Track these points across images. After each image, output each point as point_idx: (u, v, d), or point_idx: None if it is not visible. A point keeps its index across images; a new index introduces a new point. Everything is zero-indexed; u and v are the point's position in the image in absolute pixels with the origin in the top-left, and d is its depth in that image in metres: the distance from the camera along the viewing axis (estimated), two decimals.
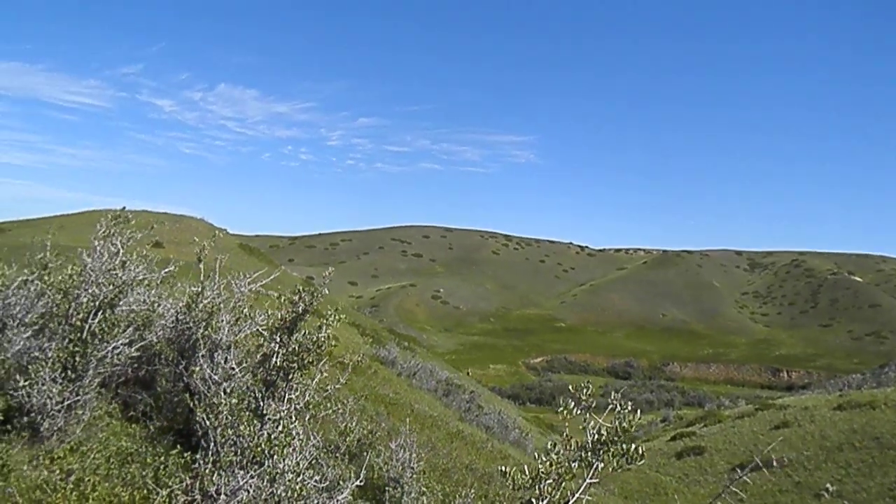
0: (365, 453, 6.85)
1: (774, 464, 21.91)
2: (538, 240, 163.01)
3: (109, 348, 5.13)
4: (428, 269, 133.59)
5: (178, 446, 4.95)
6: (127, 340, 5.38)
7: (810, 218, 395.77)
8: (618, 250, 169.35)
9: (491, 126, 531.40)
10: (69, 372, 4.86)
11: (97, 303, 5.11)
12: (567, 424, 3.58)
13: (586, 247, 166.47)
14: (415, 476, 6.57)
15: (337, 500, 4.64)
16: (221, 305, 6.16)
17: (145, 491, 4.19)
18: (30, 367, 4.76)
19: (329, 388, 5.37)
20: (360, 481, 4.98)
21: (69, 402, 4.77)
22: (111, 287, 5.22)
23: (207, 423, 4.67)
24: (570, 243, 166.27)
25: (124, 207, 5.83)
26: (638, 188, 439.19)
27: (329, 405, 5.21)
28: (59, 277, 5.25)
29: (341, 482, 4.93)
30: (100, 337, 5.04)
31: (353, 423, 7.25)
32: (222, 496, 4.05)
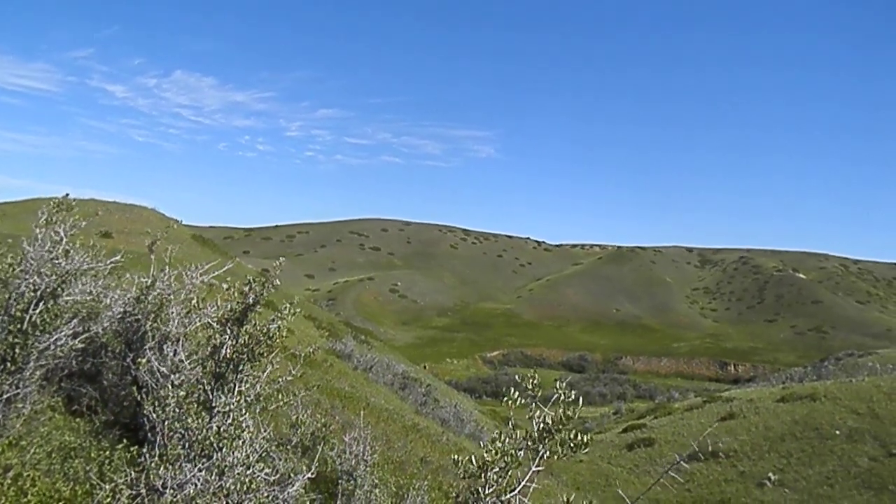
0: (318, 446, 6.80)
1: (721, 454, 22.64)
2: (496, 234, 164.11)
3: (52, 340, 4.98)
4: (386, 262, 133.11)
5: (125, 440, 4.83)
6: (71, 332, 5.22)
7: (757, 215, 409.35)
8: (574, 246, 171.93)
9: (453, 120, 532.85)
10: (8, 364, 4.69)
11: (38, 293, 4.94)
12: (513, 414, 3.65)
13: (543, 242, 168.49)
14: (368, 469, 6.57)
15: (288, 493, 4.61)
16: (172, 297, 6.03)
17: (88, 486, 4.09)
18: None
19: (281, 380, 5.32)
20: (312, 474, 4.95)
21: (8, 395, 4.61)
22: (54, 277, 5.05)
23: (155, 416, 4.58)
24: (528, 238, 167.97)
25: (68, 194, 5.65)
26: (595, 185, 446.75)
27: (280, 397, 5.17)
28: None
29: (293, 475, 4.90)
30: (41, 328, 4.87)
31: (307, 416, 7.20)
32: (168, 490, 3.98)
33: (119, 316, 5.98)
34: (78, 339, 5.34)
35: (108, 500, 3.90)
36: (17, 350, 4.73)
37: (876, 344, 76.90)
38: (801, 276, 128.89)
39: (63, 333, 5.09)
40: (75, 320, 5.34)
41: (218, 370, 4.91)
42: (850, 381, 27.74)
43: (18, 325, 4.80)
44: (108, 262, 6.16)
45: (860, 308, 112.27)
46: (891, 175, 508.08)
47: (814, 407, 24.76)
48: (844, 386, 26.60)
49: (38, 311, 4.89)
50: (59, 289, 5.14)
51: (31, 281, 4.99)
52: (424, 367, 52.68)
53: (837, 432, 22.29)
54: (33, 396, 4.88)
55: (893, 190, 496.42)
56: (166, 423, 4.50)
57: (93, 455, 4.58)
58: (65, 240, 5.35)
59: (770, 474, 20.89)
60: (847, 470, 20.10)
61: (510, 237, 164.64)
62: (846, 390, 25.67)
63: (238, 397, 4.76)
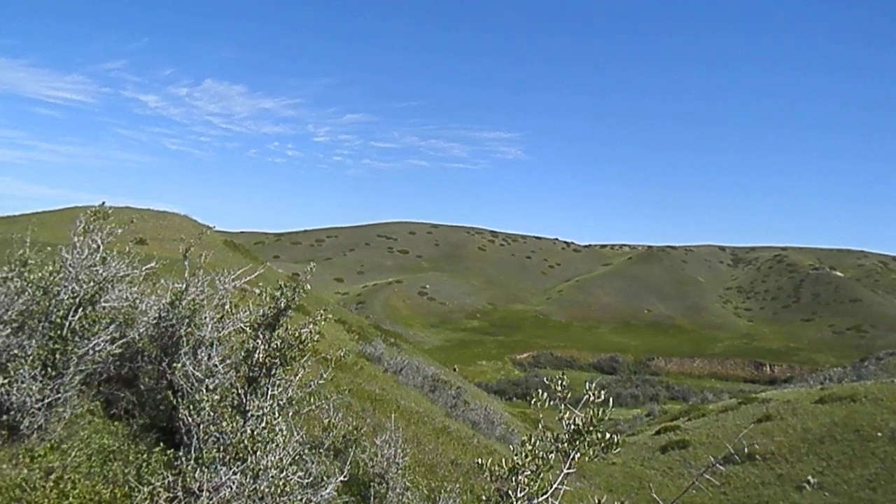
0: (350, 449, 6.85)
1: (758, 457, 22.18)
2: (524, 236, 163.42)
3: (90, 345, 5.10)
4: (414, 265, 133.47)
5: (161, 443, 4.93)
6: (108, 337, 5.34)
7: (792, 213, 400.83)
8: (603, 246, 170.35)
9: (479, 122, 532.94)
10: (49, 369, 4.82)
11: (77, 299, 5.07)
12: (543, 416, 3.63)
13: (572, 242, 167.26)
14: (400, 471, 6.59)
15: (321, 496, 4.65)
16: (205, 302, 6.14)
17: (127, 488, 4.18)
18: (9, 364, 4.71)
19: (313, 383, 5.38)
20: (345, 477, 4.99)
21: (49, 399, 4.74)
22: (92, 284, 5.18)
23: (190, 419, 4.66)
24: (556, 239, 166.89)
25: (104, 203, 5.78)
26: (624, 184, 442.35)
27: (312, 401, 5.22)
28: (39, 274, 5.20)
29: (325, 478, 4.94)
30: (80, 334, 5.00)
31: (338, 419, 7.25)
32: (205, 493, 4.05)
33: (154, 321, 6.11)
34: (115, 345, 5.46)
35: (147, 502, 3.98)
36: (57, 356, 4.86)
37: None
38: (839, 273, 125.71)
39: (101, 339, 5.21)
40: (112, 326, 5.46)
41: (251, 374, 4.98)
42: (891, 382, 26.95)
43: (59, 332, 4.93)
44: (144, 268, 6.30)
45: None
46: None
47: (854, 408, 24.11)
48: (886, 386, 25.85)
49: (77, 317, 5.01)
50: (96, 295, 5.27)
51: (71, 288, 5.12)
52: (454, 370, 52.66)
53: (879, 434, 21.66)
54: (73, 401, 5.01)
55: None
56: (201, 426, 4.58)
57: (131, 458, 4.68)
58: (101, 247, 5.49)
59: (809, 477, 20.39)
60: (890, 473, 19.52)
61: (538, 238, 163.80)
62: (888, 391, 24.94)
63: (271, 401, 4.82)
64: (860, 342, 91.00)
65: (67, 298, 5.08)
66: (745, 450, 22.30)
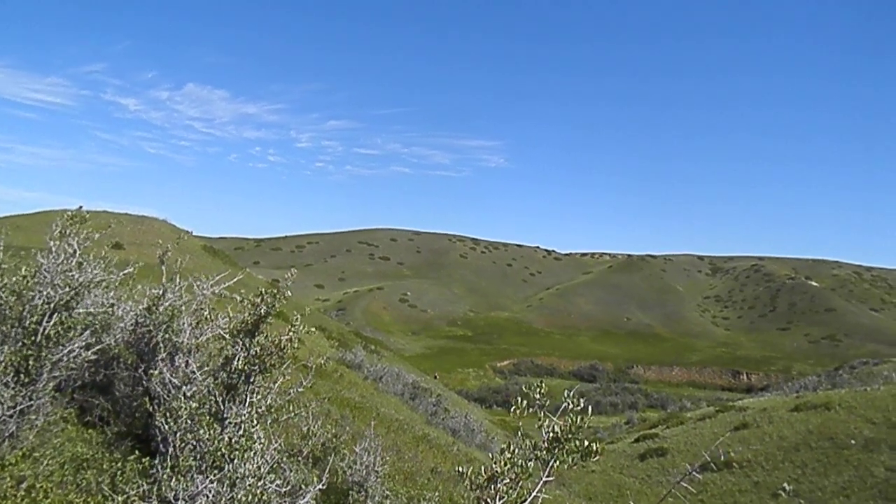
0: (329, 457, 6.80)
1: (734, 464, 22.40)
2: (506, 243, 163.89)
3: (65, 352, 5.01)
4: (396, 272, 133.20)
5: (137, 451, 4.85)
6: (83, 344, 5.25)
7: (770, 223, 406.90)
8: (584, 254, 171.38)
9: (463, 130, 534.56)
10: (22, 376, 4.73)
11: (52, 305, 4.98)
12: (522, 424, 3.64)
13: (553, 251, 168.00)
14: (379, 480, 6.56)
15: None
16: (183, 308, 6.07)
17: (100, 497, 4.11)
18: None
19: (292, 391, 5.33)
20: (323, 485, 4.95)
21: (21, 406, 4.65)
22: (67, 289, 5.10)
23: (166, 427, 4.59)
24: (538, 247, 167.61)
25: (81, 207, 5.71)
26: (604, 193, 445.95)
27: (291, 408, 5.18)
28: (13, 279, 5.11)
29: (304, 486, 4.89)
30: (55, 340, 4.91)
31: (317, 427, 7.20)
32: (180, 501, 3.99)
33: (131, 327, 6.02)
34: (91, 351, 5.38)
35: None
36: (30, 362, 4.77)
37: (891, 352, 75.93)
38: (815, 283, 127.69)
39: (76, 345, 5.13)
40: (88, 332, 5.37)
41: (229, 381, 4.93)
42: (865, 390, 27.40)
43: (32, 338, 4.85)
44: (121, 273, 6.21)
45: (874, 316, 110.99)
46: None
47: (828, 416, 24.45)
48: (859, 395, 26.27)
49: (51, 323, 4.93)
50: (72, 301, 5.18)
51: (45, 293, 5.03)
52: (434, 377, 52.57)
53: (853, 442, 21.99)
54: (46, 408, 4.91)
55: None
56: (178, 434, 4.52)
57: (105, 466, 4.60)
58: (78, 252, 5.41)
59: (785, 485, 20.62)
60: (863, 480, 19.80)
61: (520, 246, 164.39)
62: (861, 399, 25.35)
63: (249, 409, 4.78)
64: (835, 351, 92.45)
65: (42, 303, 4.99)
66: (722, 457, 22.51)
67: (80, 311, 5.37)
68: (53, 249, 5.29)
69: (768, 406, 28.47)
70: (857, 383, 35.95)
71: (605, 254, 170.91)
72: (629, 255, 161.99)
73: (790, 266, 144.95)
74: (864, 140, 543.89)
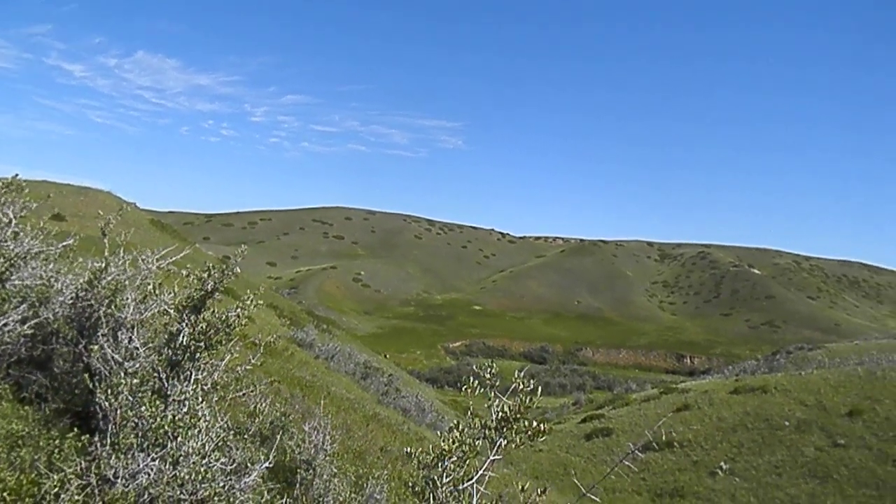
0: (277, 436, 6.73)
1: (675, 444, 23.20)
2: (461, 225, 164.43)
3: None
4: (349, 251, 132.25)
5: (76, 429, 4.69)
6: (19, 317, 5.05)
7: (716, 211, 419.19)
8: (537, 238, 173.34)
9: (422, 110, 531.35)
10: None
11: None
12: (472, 404, 3.67)
13: (507, 234, 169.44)
14: (328, 458, 6.53)
15: (244, 482, 4.56)
16: (127, 283, 5.87)
17: (35, 475, 3.97)
18: None
19: (240, 368, 5.25)
20: (270, 463, 4.90)
21: None
22: (1, 260, 4.87)
23: (107, 404, 4.46)
24: (492, 230, 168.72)
25: (17, 175, 5.45)
26: (560, 178, 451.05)
27: (238, 386, 5.09)
28: None
29: (250, 464, 4.83)
30: None
31: (266, 405, 7.11)
32: (120, 479, 3.89)
33: (71, 301, 5.80)
34: (27, 325, 5.17)
35: (56, 489, 3.79)
36: None
37: (825, 338, 79.55)
38: (756, 271, 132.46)
39: (11, 319, 4.92)
40: (24, 305, 5.16)
41: (174, 358, 4.81)
42: (799, 374, 28.66)
43: None
44: (60, 245, 5.97)
45: (811, 303, 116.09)
46: (842, 175, 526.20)
47: (765, 399, 25.52)
48: (794, 378, 27.48)
49: None
50: (6, 272, 4.96)
51: None
52: (386, 357, 52.60)
53: (787, 423, 23.04)
54: None
55: (844, 189, 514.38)
56: (119, 411, 4.40)
57: (41, 444, 4.44)
58: (14, 222, 5.17)
59: (722, 463, 21.50)
60: (795, 459, 20.81)
61: (475, 228, 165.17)
62: (796, 383, 26.52)
63: (194, 386, 4.68)
64: (773, 336, 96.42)
65: None
66: (664, 437, 23.29)
67: (17, 283, 5.15)
68: None
69: (709, 388, 29.51)
70: (792, 368, 37.56)
71: (559, 238, 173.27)
72: (582, 240, 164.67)
73: (734, 254, 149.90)
74: (810, 134, 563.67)
